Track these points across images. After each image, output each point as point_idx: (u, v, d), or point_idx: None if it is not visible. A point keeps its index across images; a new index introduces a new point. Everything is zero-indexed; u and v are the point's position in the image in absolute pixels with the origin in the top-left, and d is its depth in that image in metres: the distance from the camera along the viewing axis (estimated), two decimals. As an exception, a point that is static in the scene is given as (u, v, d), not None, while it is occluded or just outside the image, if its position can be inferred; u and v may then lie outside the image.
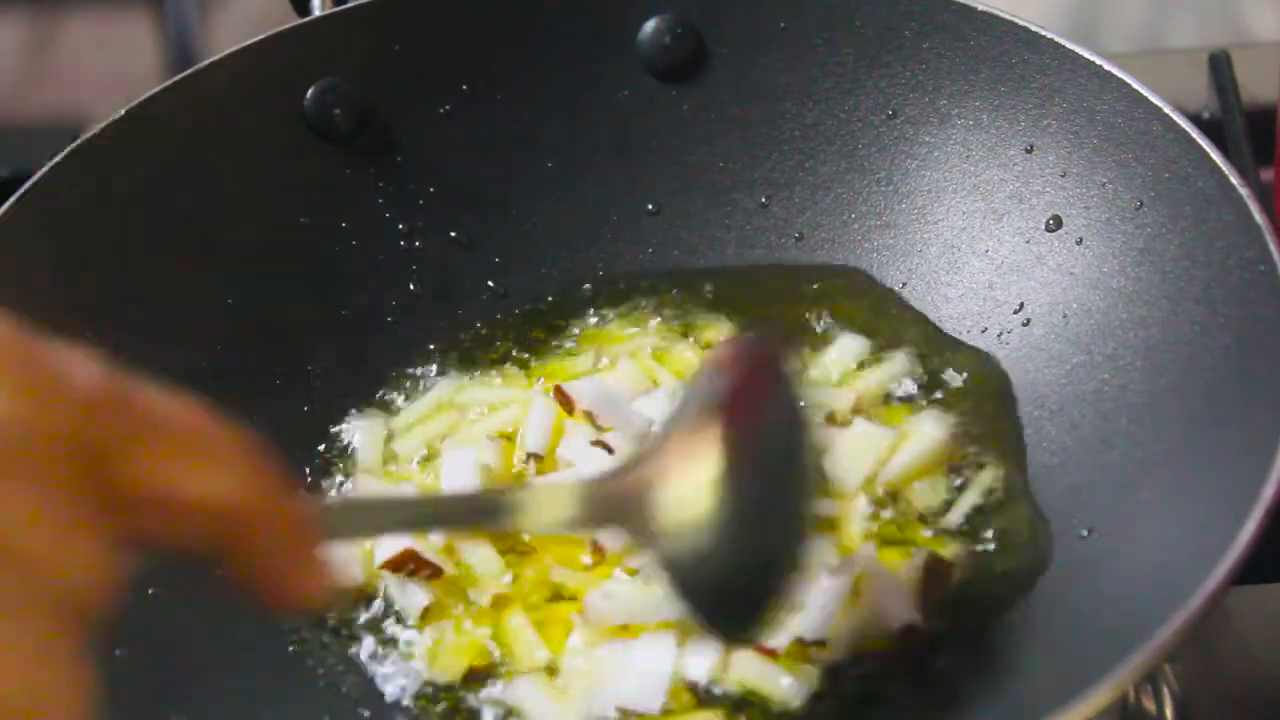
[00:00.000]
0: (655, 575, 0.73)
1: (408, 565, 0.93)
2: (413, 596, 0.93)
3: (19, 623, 0.53)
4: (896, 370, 1.00)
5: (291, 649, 0.92)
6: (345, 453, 1.01)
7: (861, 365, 1.01)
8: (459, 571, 0.94)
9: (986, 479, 0.94)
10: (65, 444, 0.56)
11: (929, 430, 0.96)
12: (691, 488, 0.70)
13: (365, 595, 0.94)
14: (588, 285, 1.07)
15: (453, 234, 1.08)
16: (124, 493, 0.57)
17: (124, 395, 0.58)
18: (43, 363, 0.58)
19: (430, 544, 0.94)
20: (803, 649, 0.87)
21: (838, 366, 1.01)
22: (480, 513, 0.77)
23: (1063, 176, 1.00)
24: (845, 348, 1.02)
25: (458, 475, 0.97)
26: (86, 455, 0.57)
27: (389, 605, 0.93)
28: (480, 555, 0.94)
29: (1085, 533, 0.89)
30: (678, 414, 0.74)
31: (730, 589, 0.72)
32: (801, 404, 0.77)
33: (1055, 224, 1.00)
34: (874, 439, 0.96)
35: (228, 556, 0.61)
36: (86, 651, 0.55)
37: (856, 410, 0.98)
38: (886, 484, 0.94)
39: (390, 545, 0.93)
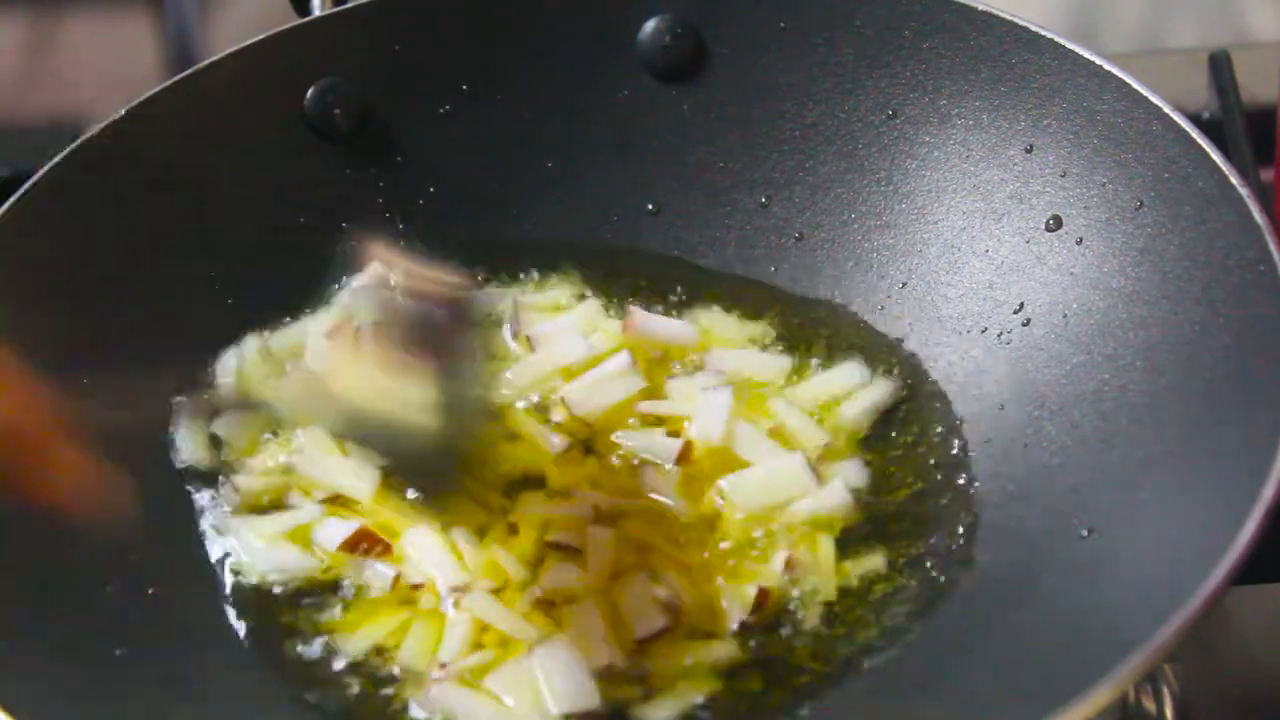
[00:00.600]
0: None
1: (361, 545, 0.94)
2: (377, 569, 0.94)
3: None
4: (878, 400, 1.00)
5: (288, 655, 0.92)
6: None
7: (852, 393, 1.01)
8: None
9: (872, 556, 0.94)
10: None
11: (836, 494, 0.95)
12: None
13: (329, 585, 0.94)
14: (586, 292, 1.08)
15: (453, 234, 1.08)
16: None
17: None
18: None
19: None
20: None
21: (829, 394, 1.01)
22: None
23: (1063, 176, 1.00)
24: (847, 373, 1.01)
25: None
26: None
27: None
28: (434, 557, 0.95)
29: (1085, 533, 0.89)
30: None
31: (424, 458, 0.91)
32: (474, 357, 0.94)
33: (1055, 224, 1.00)
34: (790, 479, 0.96)
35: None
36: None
37: (830, 448, 0.98)
38: (774, 525, 0.95)
39: (341, 528, 0.95)
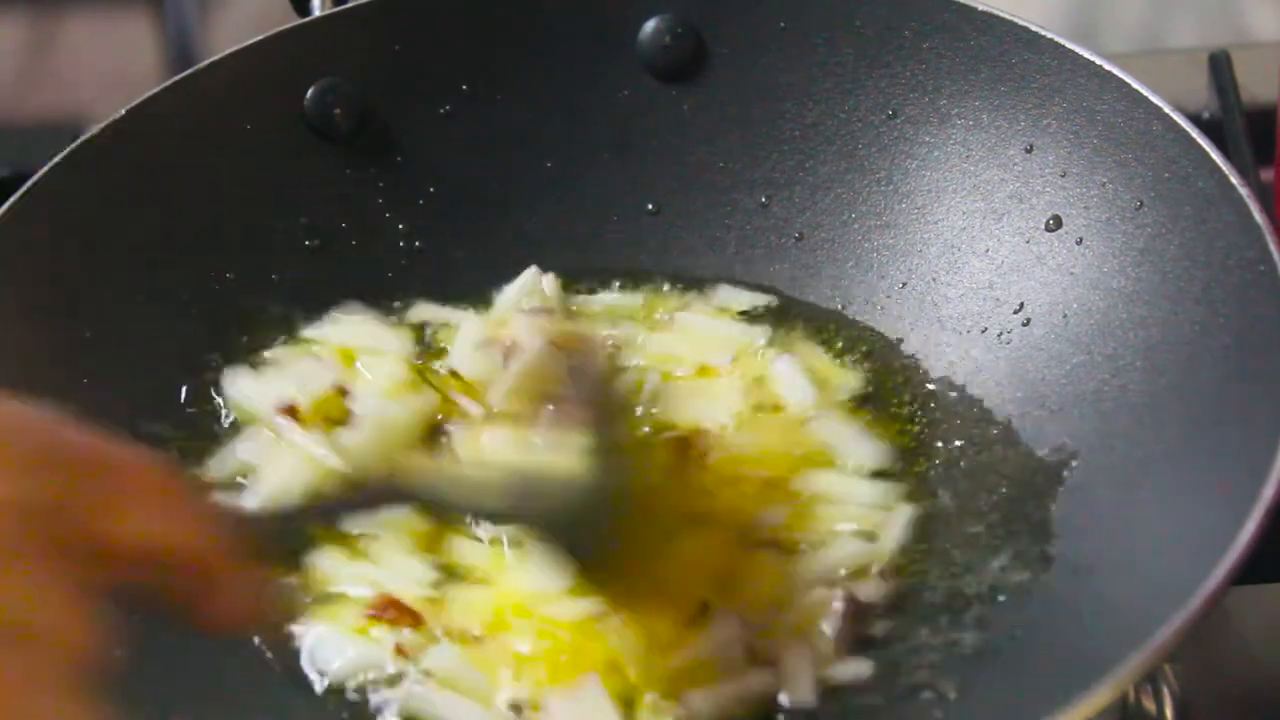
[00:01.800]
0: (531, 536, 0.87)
1: (388, 612, 0.90)
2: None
3: (41, 697, 0.56)
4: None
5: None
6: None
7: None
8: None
9: None
10: (52, 515, 0.60)
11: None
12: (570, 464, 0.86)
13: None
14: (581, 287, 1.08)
15: (453, 234, 1.08)
16: (98, 548, 0.62)
17: (93, 458, 0.62)
18: (21, 437, 0.61)
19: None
20: None
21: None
22: (397, 496, 0.86)
23: (1063, 176, 1.00)
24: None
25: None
26: (68, 521, 0.60)
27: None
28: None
29: (1086, 532, 0.89)
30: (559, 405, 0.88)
31: (589, 529, 0.86)
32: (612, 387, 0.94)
33: (1055, 224, 1.00)
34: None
35: (177, 592, 0.66)
36: (96, 695, 0.58)
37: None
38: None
39: (366, 592, 0.91)
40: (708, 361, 1.02)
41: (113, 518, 0.62)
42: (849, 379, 1.01)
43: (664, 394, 1.00)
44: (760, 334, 1.04)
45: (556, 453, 0.86)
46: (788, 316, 1.05)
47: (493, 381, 0.99)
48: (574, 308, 1.06)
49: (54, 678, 0.57)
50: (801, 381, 1.00)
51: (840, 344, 1.03)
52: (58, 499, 0.60)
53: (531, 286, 1.05)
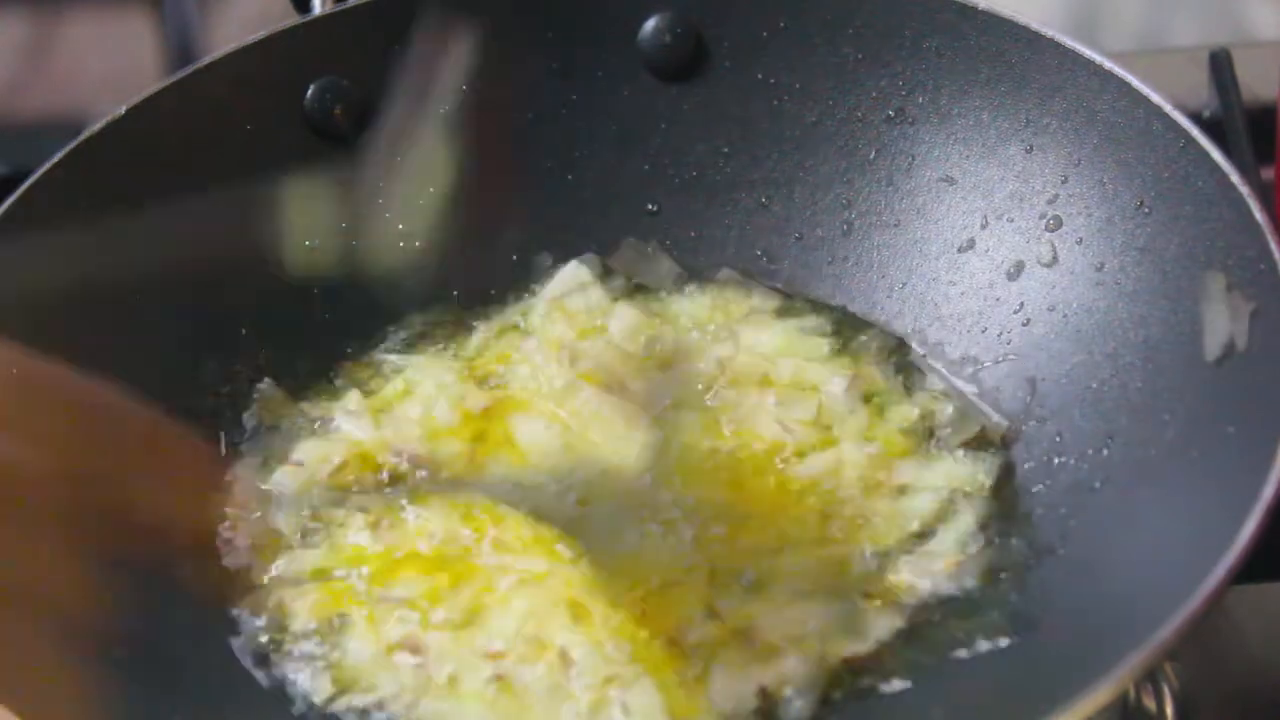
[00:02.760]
0: None
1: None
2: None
3: (37, 658, 0.56)
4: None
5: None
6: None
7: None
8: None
9: None
10: (87, 485, 0.59)
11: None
12: None
13: None
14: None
15: (453, 234, 1.08)
16: (121, 520, 0.61)
17: (111, 423, 0.62)
18: (34, 396, 0.61)
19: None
20: None
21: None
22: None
23: (1063, 176, 1.00)
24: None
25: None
26: (100, 493, 0.60)
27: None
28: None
29: (1085, 532, 0.89)
30: None
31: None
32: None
33: (1055, 224, 1.00)
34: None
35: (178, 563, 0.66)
36: (93, 663, 0.58)
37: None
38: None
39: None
40: (768, 374, 1.02)
41: (145, 493, 0.62)
42: (904, 401, 1.01)
43: (731, 402, 1.00)
44: (821, 347, 1.03)
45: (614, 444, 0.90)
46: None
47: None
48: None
49: (52, 641, 0.58)
50: (855, 405, 1.00)
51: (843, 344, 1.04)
52: (98, 471, 0.60)
53: (576, 280, 1.06)
